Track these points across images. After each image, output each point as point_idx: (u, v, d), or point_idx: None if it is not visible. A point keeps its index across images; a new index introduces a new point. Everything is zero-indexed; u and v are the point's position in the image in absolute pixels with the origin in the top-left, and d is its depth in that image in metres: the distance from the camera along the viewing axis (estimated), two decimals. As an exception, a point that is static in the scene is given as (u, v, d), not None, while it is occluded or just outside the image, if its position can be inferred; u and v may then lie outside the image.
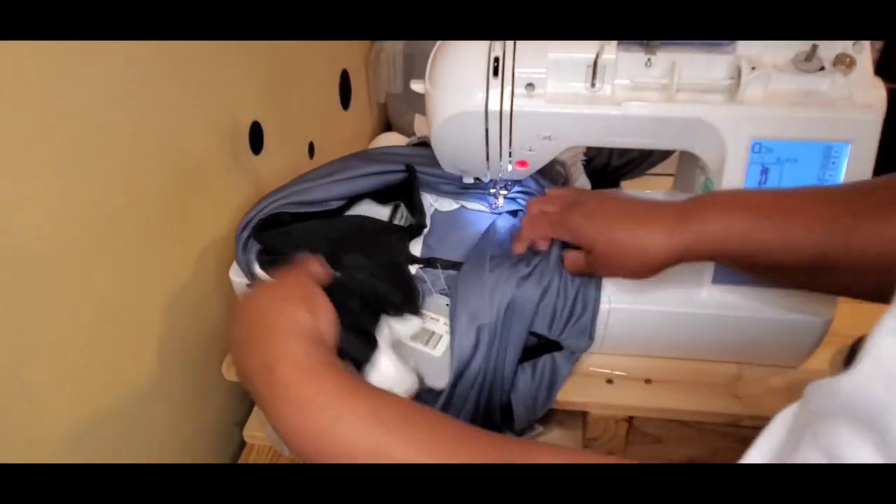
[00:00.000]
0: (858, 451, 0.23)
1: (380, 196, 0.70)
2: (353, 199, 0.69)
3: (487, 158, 0.59)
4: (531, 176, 0.65)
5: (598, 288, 0.58)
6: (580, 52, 0.53)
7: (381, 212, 0.69)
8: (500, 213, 0.70)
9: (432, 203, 0.71)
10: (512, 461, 0.36)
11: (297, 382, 0.39)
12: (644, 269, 0.51)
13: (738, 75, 0.52)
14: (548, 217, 0.57)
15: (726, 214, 0.48)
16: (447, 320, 0.59)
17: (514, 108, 0.54)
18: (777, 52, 0.52)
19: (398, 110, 1.13)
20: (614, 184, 0.79)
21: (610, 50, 0.53)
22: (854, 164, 0.51)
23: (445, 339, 0.58)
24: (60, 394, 0.48)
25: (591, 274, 0.57)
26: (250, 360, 0.42)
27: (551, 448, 0.38)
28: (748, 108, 0.51)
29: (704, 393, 0.59)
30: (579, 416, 0.66)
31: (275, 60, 0.77)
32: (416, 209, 0.67)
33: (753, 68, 0.51)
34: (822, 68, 0.51)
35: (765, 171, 0.53)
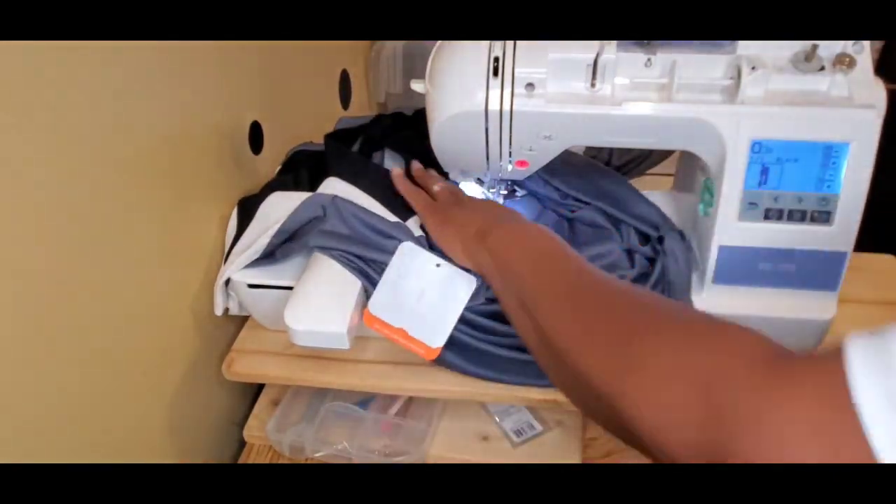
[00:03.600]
0: None
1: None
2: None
3: (487, 158, 0.59)
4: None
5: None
6: (580, 52, 0.53)
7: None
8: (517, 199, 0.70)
9: None
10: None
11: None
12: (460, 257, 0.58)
13: (737, 75, 0.52)
14: (423, 201, 0.62)
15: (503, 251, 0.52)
16: None
17: (514, 108, 0.54)
18: (777, 52, 0.52)
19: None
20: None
21: (610, 50, 0.53)
22: (854, 163, 0.51)
23: None
24: (60, 393, 0.48)
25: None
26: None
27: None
28: (748, 108, 0.51)
29: (704, 393, 0.59)
30: (579, 416, 0.66)
31: (275, 60, 0.77)
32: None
33: (753, 68, 0.51)
34: (822, 68, 0.51)
35: (765, 171, 0.53)
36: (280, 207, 0.63)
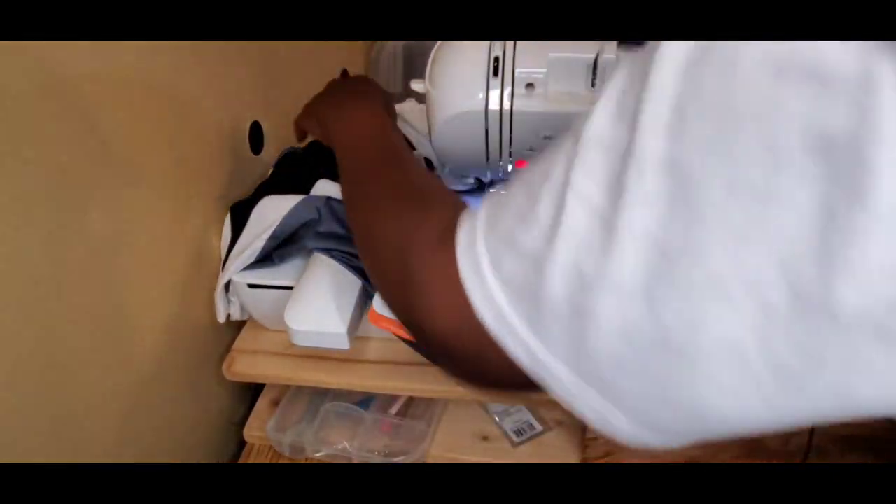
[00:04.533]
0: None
1: None
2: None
3: (487, 158, 0.59)
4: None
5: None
6: (580, 52, 0.53)
7: None
8: None
9: None
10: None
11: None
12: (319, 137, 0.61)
13: (738, 75, 0.52)
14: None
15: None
16: None
17: (514, 107, 0.54)
18: (777, 52, 0.52)
19: (398, 110, 1.13)
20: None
21: (610, 50, 0.53)
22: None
23: None
24: (59, 393, 0.48)
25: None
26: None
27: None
28: (748, 108, 0.51)
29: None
30: (579, 417, 0.66)
31: (275, 60, 0.77)
32: None
33: (753, 68, 0.51)
34: (822, 68, 0.51)
35: (765, 171, 0.53)
36: (273, 210, 0.63)
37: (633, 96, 0.24)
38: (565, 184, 0.26)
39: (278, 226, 0.61)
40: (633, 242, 0.23)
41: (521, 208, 0.28)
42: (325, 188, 0.65)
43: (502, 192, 0.31)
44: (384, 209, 0.41)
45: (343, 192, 0.49)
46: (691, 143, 0.22)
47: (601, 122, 0.25)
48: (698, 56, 0.23)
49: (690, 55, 0.23)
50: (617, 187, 0.24)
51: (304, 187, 0.67)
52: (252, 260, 0.61)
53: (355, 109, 0.55)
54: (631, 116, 0.24)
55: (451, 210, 0.35)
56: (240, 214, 0.66)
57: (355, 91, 0.59)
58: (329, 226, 0.61)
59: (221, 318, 0.65)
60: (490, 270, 0.28)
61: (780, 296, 0.20)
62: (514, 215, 0.28)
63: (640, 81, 0.24)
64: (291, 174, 0.71)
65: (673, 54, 0.23)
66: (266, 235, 0.61)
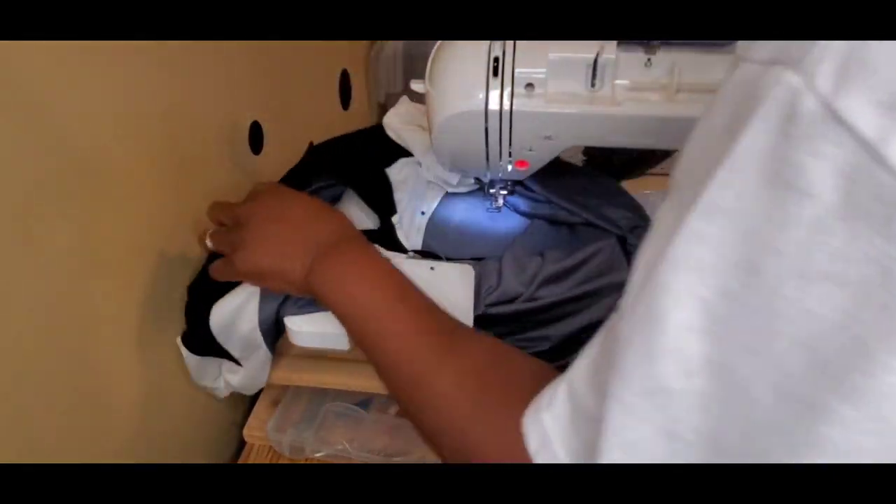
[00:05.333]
0: None
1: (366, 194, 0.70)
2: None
3: (487, 158, 0.59)
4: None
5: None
6: (580, 52, 0.53)
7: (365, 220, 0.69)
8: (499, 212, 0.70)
9: (421, 210, 0.71)
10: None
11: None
12: (289, 292, 0.53)
13: (738, 75, 0.52)
14: (220, 213, 0.55)
15: (352, 270, 0.47)
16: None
17: (513, 108, 0.54)
18: (777, 52, 0.52)
19: (398, 110, 1.12)
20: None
21: (610, 50, 0.52)
22: (854, 164, 0.51)
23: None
24: (58, 393, 0.48)
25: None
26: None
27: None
28: (748, 108, 0.51)
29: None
30: None
31: (275, 60, 0.77)
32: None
33: (753, 68, 0.51)
34: (822, 68, 0.51)
35: (765, 171, 0.53)
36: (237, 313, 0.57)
37: None
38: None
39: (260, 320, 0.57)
40: None
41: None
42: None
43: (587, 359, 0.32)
44: (438, 375, 0.39)
45: (370, 352, 0.44)
46: None
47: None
48: None
49: None
50: None
51: None
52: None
53: (349, 259, 0.48)
54: None
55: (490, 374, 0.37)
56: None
57: (321, 229, 0.50)
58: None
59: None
60: (561, 446, 0.31)
61: None
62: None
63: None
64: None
65: None
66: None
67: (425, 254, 0.64)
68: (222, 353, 0.58)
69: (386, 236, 0.65)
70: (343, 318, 0.47)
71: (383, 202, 0.68)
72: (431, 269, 0.58)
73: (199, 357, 0.59)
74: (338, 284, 0.46)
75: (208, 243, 0.54)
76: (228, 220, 0.54)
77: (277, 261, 0.49)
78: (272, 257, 0.49)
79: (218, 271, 0.54)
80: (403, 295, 0.46)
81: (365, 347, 0.45)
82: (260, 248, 0.49)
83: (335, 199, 0.71)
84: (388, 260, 0.49)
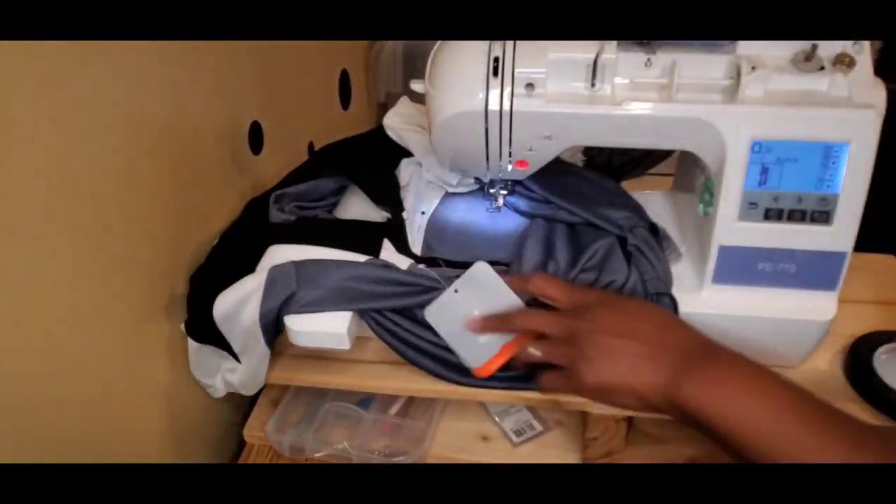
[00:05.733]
0: None
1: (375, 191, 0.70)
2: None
3: (487, 158, 0.59)
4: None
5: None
6: (580, 52, 0.53)
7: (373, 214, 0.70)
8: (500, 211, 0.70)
9: (421, 210, 0.71)
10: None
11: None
12: (636, 409, 0.49)
13: (737, 75, 0.52)
14: (547, 325, 0.52)
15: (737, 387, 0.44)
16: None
17: (514, 108, 0.54)
18: (777, 52, 0.52)
19: (398, 110, 1.13)
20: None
21: (610, 50, 0.52)
22: (854, 163, 0.51)
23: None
24: (59, 393, 0.48)
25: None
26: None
27: None
28: (748, 108, 0.51)
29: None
30: (579, 416, 0.66)
31: (275, 60, 0.77)
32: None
33: (753, 68, 0.51)
34: (822, 68, 0.51)
35: (765, 171, 0.53)
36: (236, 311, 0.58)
37: None
38: None
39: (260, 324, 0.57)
40: None
41: None
42: (280, 254, 0.61)
43: None
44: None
45: (763, 459, 0.39)
46: None
47: None
48: None
49: None
50: None
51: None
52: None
53: (731, 375, 0.45)
54: None
55: None
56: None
57: (675, 342, 0.48)
58: (308, 293, 0.57)
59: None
60: None
61: None
62: None
63: None
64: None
65: None
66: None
67: (426, 260, 0.64)
68: (222, 344, 0.59)
69: (396, 231, 0.66)
70: (728, 435, 0.43)
71: (392, 200, 0.69)
72: (455, 291, 0.57)
73: (198, 345, 0.60)
74: (725, 399, 0.44)
75: (535, 352, 0.52)
76: (556, 332, 0.51)
77: (629, 376, 0.47)
78: (623, 371, 0.47)
79: (551, 383, 0.52)
80: (801, 407, 0.42)
81: (755, 458, 0.40)
82: (607, 363, 0.48)
83: (338, 192, 0.73)
84: (764, 366, 0.46)
